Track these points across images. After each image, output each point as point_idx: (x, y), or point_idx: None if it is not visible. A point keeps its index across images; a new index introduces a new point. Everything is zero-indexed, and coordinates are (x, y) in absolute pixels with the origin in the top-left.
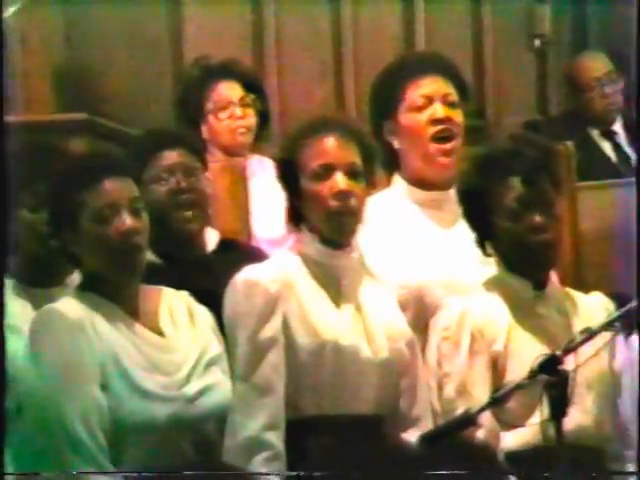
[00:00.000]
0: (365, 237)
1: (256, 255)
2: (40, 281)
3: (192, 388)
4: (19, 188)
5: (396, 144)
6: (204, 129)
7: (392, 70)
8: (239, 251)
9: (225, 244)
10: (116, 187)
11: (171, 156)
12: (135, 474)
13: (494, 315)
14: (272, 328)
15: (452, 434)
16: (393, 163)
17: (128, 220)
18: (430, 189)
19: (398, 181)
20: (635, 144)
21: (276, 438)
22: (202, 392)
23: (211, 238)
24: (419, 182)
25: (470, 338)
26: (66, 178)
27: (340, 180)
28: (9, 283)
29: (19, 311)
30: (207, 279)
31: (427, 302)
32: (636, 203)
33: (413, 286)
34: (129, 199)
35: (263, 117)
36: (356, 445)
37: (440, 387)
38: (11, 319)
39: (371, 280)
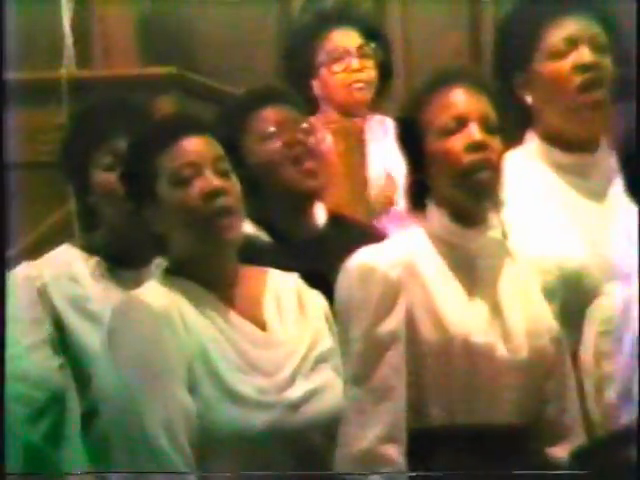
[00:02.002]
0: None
1: (372, 234)
2: (127, 260)
3: (296, 391)
4: (94, 146)
5: (530, 99)
6: (315, 84)
7: (526, 11)
8: (351, 229)
9: (334, 220)
10: (195, 145)
11: (277, 111)
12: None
13: None
14: (392, 321)
15: (613, 450)
16: (525, 124)
17: (213, 179)
18: (572, 151)
19: (532, 141)
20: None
21: (396, 452)
22: (308, 396)
23: (319, 213)
24: (559, 143)
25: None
26: (140, 140)
27: (475, 130)
28: (90, 261)
29: (101, 296)
30: (315, 261)
31: (580, 289)
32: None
33: (562, 271)
34: (213, 158)
35: (385, 70)
36: (492, 461)
37: (599, 391)
38: (92, 305)
39: (510, 264)
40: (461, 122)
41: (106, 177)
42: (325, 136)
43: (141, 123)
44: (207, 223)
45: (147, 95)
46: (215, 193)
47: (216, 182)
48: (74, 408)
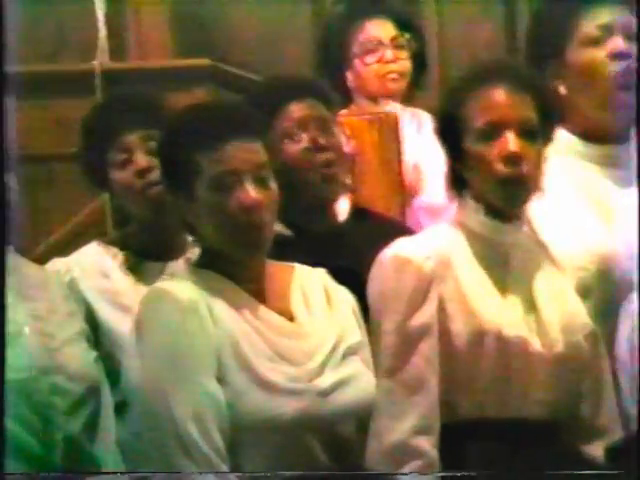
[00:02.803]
0: (534, 206)
1: (397, 228)
2: (157, 253)
3: (326, 380)
4: (107, 145)
5: (562, 89)
6: (349, 75)
7: None
8: (376, 223)
9: (359, 214)
10: (240, 151)
11: (302, 107)
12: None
13: None
14: (425, 314)
15: None
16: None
17: (252, 191)
18: (605, 142)
19: (562, 134)
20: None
21: (428, 444)
22: (337, 385)
23: (341, 206)
24: (592, 134)
25: None
26: (181, 134)
27: (511, 141)
28: (119, 256)
29: (131, 289)
30: (338, 255)
31: (615, 284)
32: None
33: (596, 265)
34: (255, 165)
35: (419, 61)
36: (524, 456)
37: (634, 387)
38: (122, 298)
39: (545, 259)
40: (498, 129)
41: (121, 175)
42: (353, 133)
43: (152, 117)
44: (241, 233)
45: (180, 87)
46: (253, 207)
47: (255, 195)
48: (108, 401)
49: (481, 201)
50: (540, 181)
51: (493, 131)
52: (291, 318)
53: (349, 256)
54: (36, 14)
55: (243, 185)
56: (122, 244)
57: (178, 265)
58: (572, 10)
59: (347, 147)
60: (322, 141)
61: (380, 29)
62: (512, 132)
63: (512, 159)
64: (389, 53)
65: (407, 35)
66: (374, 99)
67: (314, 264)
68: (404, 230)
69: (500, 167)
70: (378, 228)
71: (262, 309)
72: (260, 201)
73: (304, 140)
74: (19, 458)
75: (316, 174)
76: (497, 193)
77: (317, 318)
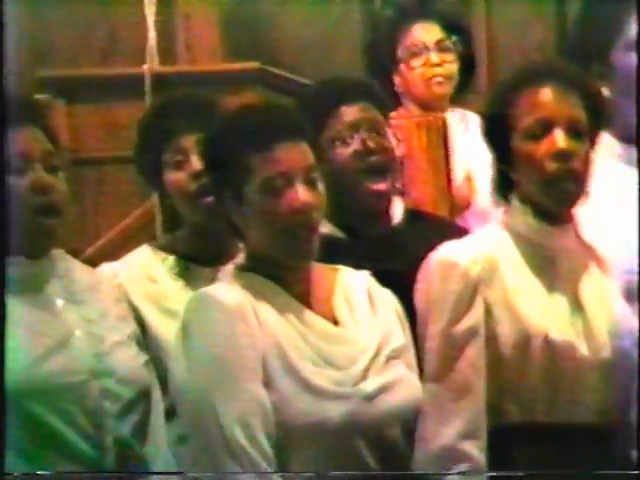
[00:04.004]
0: (580, 209)
1: (451, 230)
2: (206, 258)
3: (370, 384)
4: (163, 146)
5: (607, 91)
6: (396, 80)
7: (608, 2)
8: (430, 224)
9: (412, 215)
10: (290, 153)
11: (353, 111)
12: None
13: None
14: (472, 318)
15: None
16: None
17: (303, 193)
18: None
19: (606, 138)
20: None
21: (475, 448)
22: (382, 390)
23: (396, 208)
24: (634, 138)
25: None
26: (230, 134)
27: (560, 138)
28: (168, 261)
29: (179, 294)
30: (393, 258)
31: None
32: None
33: None
34: (305, 167)
35: (467, 63)
36: (573, 461)
37: None
38: (170, 303)
39: (591, 263)
40: (547, 126)
41: (176, 176)
42: (403, 136)
43: (208, 119)
44: (291, 236)
45: (230, 91)
46: (304, 209)
47: (306, 196)
48: (159, 404)
49: (529, 203)
50: (588, 182)
51: (542, 129)
52: (335, 322)
53: (404, 259)
54: (88, 18)
55: (294, 187)
56: (172, 248)
57: (226, 270)
58: (618, 13)
59: (398, 150)
60: (372, 144)
61: (425, 32)
62: (561, 130)
63: (561, 156)
64: (434, 56)
65: (454, 38)
66: (421, 103)
67: (367, 267)
68: (459, 231)
69: (549, 164)
70: (433, 230)
71: (307, 313)
72: (311, 203)
73: (353, 144)
74: (72, 461)
75: (363, 181)
76: (546, 192)
77: (360, 322)
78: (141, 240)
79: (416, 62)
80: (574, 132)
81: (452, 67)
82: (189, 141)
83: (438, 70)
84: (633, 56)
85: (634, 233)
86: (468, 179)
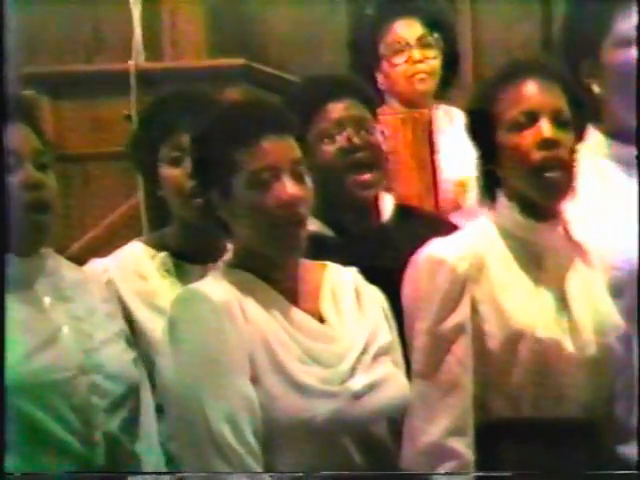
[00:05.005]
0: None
1: (441, 225)
2: (195, 256)
3: (358, 382)
4: (161, 140)
5: (596, 88)
6: (379, 77)
7: None
8: (419, 220)
9: (402, 211)
10: (276, 147)
11: (338, 108)
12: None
13: None
14: (459, 315)
15: None
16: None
17: (290, 187)
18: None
19: (594, 135)
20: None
21: (463, 445)
22: (369, 388)
23: (385, 204)
24: (626, 135)
25: None
26: (216, 131)
27: (545, 127)
28: (157, 258)
29: (168, 291)
30: (382, 255)
31: None
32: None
33: (628, 265)
34: (291, 161)
35: (450, 59)
36: (559, 456)
37: None
38: (159, 300)
39: (577, 260)
40: (532, 117)
41: (172, 172)
42: (389, 132)
43: (207, 115)
44: (280, 230)
45: (215, 87)
46: (291, 202)
47: (293, 190)
48: (149, 401)
49: (516, 199)
50: (574, 174)
51: (527, 120)
52: (321, 319)
53: (392, 255)
54: (73, 14)
55: (281, 180)
56: (161, 245)
57: (215, 267)
58: (607, 11)
59: (385, 146)
60: (357, 141)
61: (407, 29)
62: (546, 119)
63: (547, 144)
64: (416, 53)
65: (436, 34)
66: (404, 100)
67: (356, 264)
68: (449, 227)
69: (535, 153)
70: (422, 226)
71: (294, 310)
72: (298, 196)
73: (339, 141)
74: (61, 458)
75: (350, 177)
76: (533, 183)
77: (347, 319)
78: (126, 236)
79: (398, 59)
80: (559, 122)
81: (434, 63)
82: (188, 138)
83: (420, 67)
84: (623, 53)
85: (629, 231)
86: (461, 184)
